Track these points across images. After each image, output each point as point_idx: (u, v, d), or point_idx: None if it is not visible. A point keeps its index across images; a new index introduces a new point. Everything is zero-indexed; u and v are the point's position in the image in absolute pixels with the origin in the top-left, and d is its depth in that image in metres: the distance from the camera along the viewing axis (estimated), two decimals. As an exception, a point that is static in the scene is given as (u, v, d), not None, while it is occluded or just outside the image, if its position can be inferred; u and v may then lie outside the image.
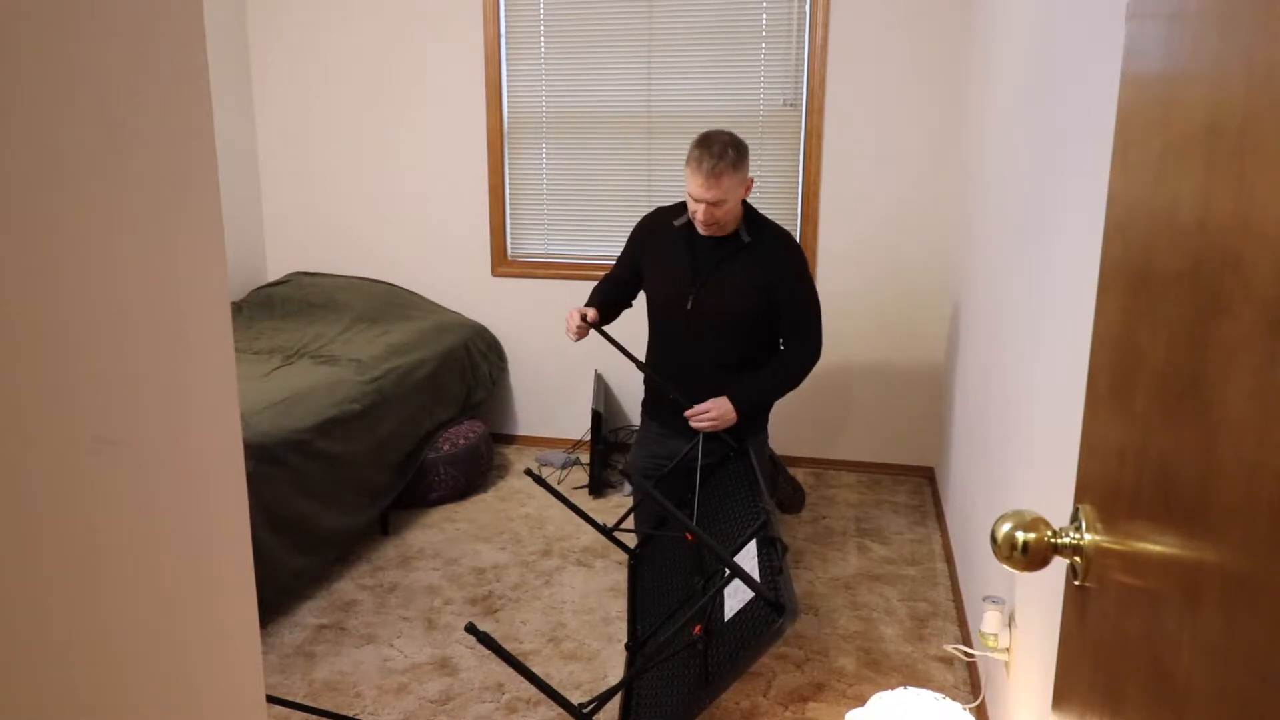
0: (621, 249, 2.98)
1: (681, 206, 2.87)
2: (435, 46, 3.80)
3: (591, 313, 2.79)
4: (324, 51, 3.93)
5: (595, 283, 3.76)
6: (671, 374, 2.82)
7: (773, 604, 2.03)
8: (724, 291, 2.74)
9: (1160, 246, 0.73)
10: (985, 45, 2.94)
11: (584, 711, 1.94)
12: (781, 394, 2.80)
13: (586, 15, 3.65)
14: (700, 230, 2.72)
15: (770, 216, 3.70)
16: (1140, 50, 0.82)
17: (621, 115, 3.69)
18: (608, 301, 2.93)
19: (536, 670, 2.38)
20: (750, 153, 2.79)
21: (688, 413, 2.69)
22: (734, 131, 2.70)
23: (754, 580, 2.07)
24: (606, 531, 2.71)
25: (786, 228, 3.65)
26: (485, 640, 1.82)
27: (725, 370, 2.78)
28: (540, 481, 2.53)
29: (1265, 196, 0.54)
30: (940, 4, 3.37)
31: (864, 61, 3.45)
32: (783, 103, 3.56)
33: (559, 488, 3.57)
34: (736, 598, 2.20)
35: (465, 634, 2.54)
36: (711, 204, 2.61)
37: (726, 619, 2.18)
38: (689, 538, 2.58)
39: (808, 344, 2.78)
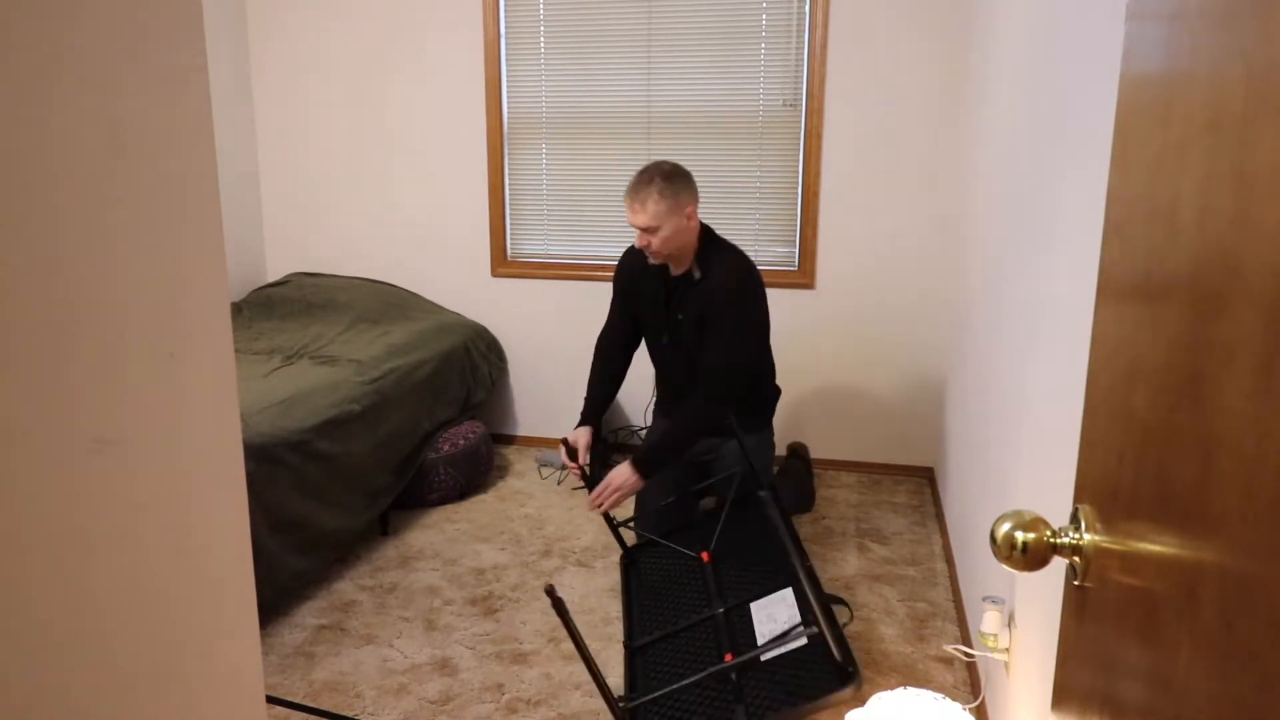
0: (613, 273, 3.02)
1: None
2: (435, 46, 3.80)
3: (583, 441, 2.76)
4: (324, 51, 3.93)
5: (594, 283, 3.80)
6: (666, 392, 3.01)
7: (843, 672, 2.03)
8: (684, 331, 2.81)
9: (1159, 247, 0.73)
10: (985, 45, 2.94)
11: (620, 706, 1.96)
12: (687, 447, 2.72)
13: (586, 15, 3.65)
14: (651, 259, 2.73)
15: (770, 217, 3.71)
16: (1139, 50, 0.82)
17: (621, 115, 3.69)
18: (612, 374, 2.96)
19: (534, 672, 2.39)
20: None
21: (591, 499, 2.62)
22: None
23: (844, 643, 2.08)
24: (614, 526, 2.72)
25: (787, 227, 3.65)
26: (559, 607, 1.83)
27: None
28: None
29: (1264, 196, 0.54)
30: (940, 4, 3.37)
31: (864, 62, 3.45)
32: (782, 103, 3.56)
33: (559, 488, 3.58)
34: (777, 637, 2.19)
35: (465, 634, 2.54)
36: (643, 230, 2.61)
37: (764, 658, 2.16)
38: (705, 558, 2.59)
39: (713, 393, 2.67)
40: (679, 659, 2.33)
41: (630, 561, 2.78)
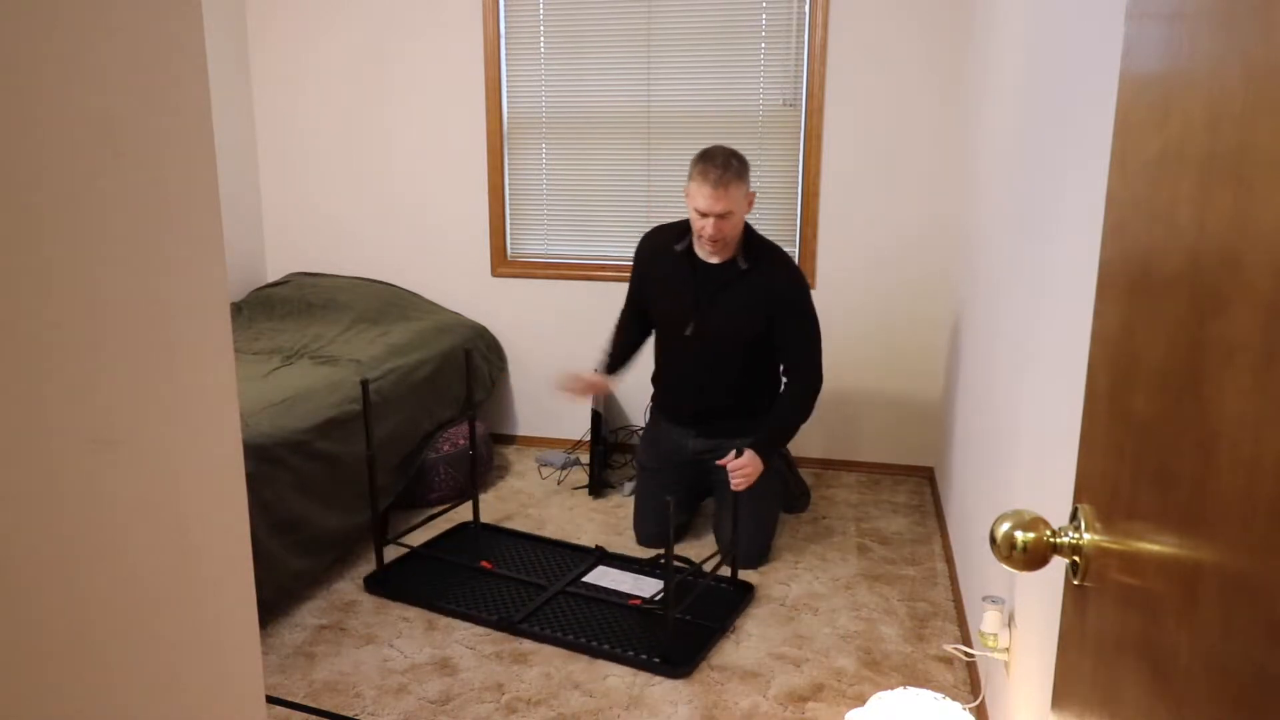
0: (630, 268, 3.05)
1: (676, 226, 2.90)
2: (435, 46, 3.80)
3: (595, 380, 2.95)
4: (324, 51, 3.93)
5: (594, 283, 3.80)
6: (675, 389, 2.98)
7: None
8: (723, 319, 2.83)
9: (1158, 247, 0.73)
10: (985, 45, 2.94)
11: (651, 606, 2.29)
12: (796, 432, 2.92)
13: (586, 15, 3.65)
14: (706, 248, 2.75)
15: (770, 217, 3.73)
16: (1139, 50, 0.82)
17: (621, 115, 3.69)
18: (629, 345, 3.06)
19: (534, 672, 2.39)
20: (750, 155, 2.84)
21: (730, 467, 2.76)
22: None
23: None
24: (380, 544, 2.83)
25: (787, 227, 3.66)
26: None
27: (725, 387, 2.91)
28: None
29: (1263, 196, 0.54)
30: (941, 4, 3.36)
31: (864, 62, 3.45)
32: (782, 103, 3.56)
33: (559, 488, 3.58)
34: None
35: (465, 634, 2.55)
36: (719, 216, 2.63)
37: (652, 596, 2.66)
38: (488, 566, 2.90)
39: (810, 379, 2.86)
40: (582, 612, 2.64)
41: (382, 580, 2.79)
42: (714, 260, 2.79)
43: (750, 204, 2.73)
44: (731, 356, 2.87)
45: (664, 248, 2.89)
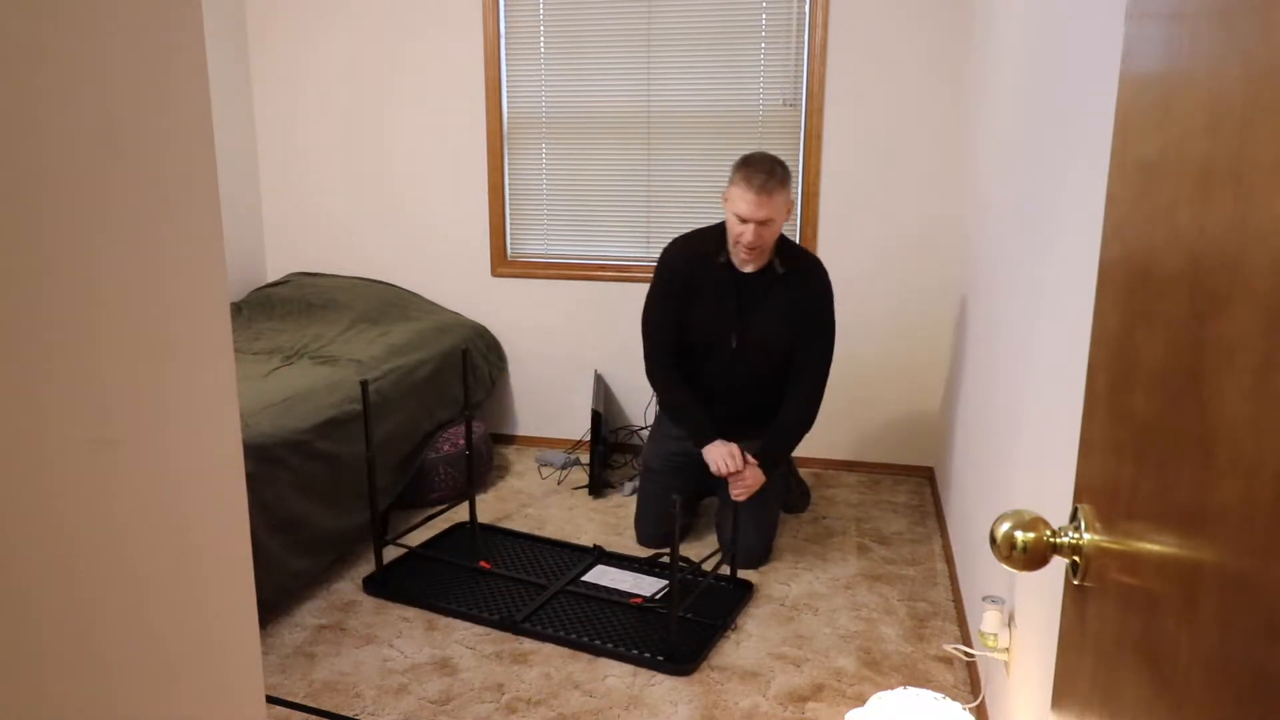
0: (654, 289, 2.91)
1: (707, 235, 2.86)
2: (434, 46, 3.80)
3: (738, 448, 2.87)
4: (324, 51, 3.93)
5: (594, 283, 3.80)
6: (714, 400, 2.93)
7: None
8: (765, 328, 2.81)
9: (1158, 247, 0.73)
10: (985, 44, 2.94)
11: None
12: (800, 441, 2.93)
13: (586, 15, 3.65)
14: (743, 256, 2.73)
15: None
16: (1139, 50, 0.82)
17: (621, 115, 3.69)
18: (691, 385, 2.97)
19: (534, 672, 2.39)
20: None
21: (731, 480, 2.81)
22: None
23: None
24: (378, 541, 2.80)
25: (787, 227, 3.67)
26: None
27: (761, 393, 2.91)
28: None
29: (1263, 196, 0.54)
30: (941, 4, 3.37)
31: (864, 62, 3.45)
32: (782, 103, 3.56)
33: (559, 488, 3.58)
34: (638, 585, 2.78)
35: (465, 634, 2.55)
36: (760, 224, 2.61)
37: (653, 596, 2.71)
38: (486, 566, 2.90)
39: (817, 385, 2.86)
40: (583, 611, 2.66)
41: (381, 580, 2.78)
42: (749, 269, 2.77)
43: (788, 212, 2.71)
44: (770, 364, 2.85)
45: (703, 259, 2.81)
